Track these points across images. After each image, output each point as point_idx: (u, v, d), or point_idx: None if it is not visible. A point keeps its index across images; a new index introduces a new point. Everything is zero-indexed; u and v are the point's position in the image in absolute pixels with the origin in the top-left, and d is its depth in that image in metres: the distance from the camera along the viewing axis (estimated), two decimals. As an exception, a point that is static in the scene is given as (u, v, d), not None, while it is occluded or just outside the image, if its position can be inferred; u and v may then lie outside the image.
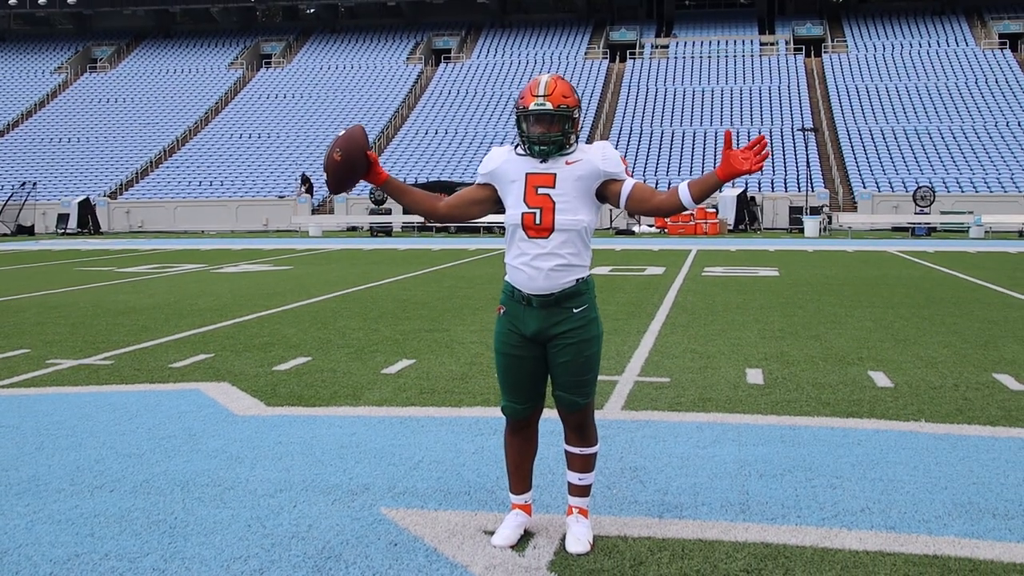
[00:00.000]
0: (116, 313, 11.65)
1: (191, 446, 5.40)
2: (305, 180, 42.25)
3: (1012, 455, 5.17)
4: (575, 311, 3.75)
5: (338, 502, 4.40)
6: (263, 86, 57.53)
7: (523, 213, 3.71)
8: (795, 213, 36.99)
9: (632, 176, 3.81)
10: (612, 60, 58.82)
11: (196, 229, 42.07)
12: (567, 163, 3.74)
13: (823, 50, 56.76)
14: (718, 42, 58.77)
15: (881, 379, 7.20)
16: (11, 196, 42.71)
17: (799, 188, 41.14)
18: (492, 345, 8.58)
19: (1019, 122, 46.13)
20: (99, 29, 65.92)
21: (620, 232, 37.23)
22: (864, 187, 41.24)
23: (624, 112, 51.81)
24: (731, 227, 36.76)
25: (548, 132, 3.72)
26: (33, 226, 42.15)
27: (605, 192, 3.78)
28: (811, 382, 7.11)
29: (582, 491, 3.90)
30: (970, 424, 5.85)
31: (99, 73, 60.95)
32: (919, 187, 35.50)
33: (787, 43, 58.08)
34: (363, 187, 44.47)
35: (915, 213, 35.22)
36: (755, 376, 7.34)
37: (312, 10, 65.81)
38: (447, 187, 39.82)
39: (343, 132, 3.84)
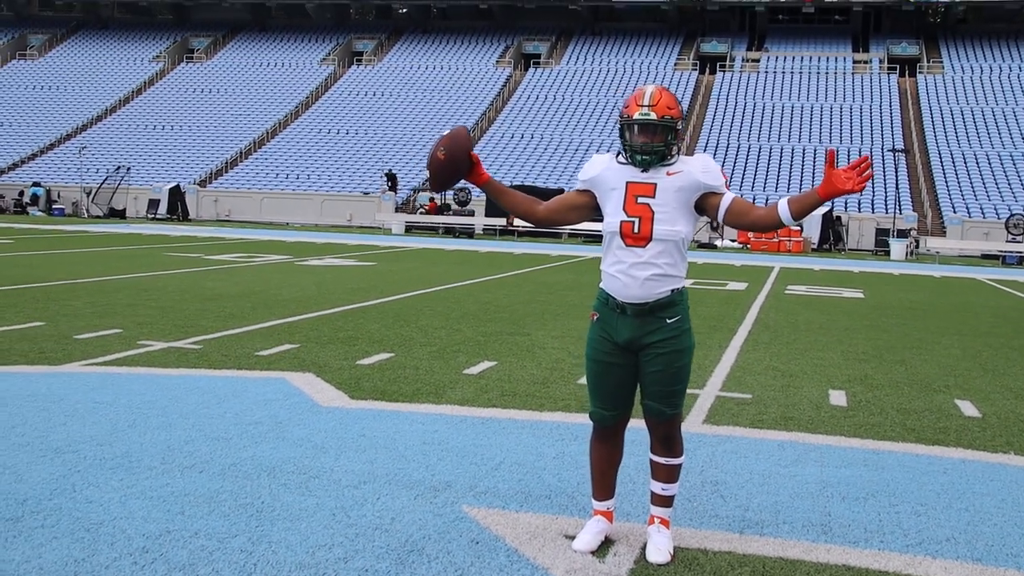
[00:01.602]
0: (204, 299, 11.93)
1: (277, 433, 5.52)
2: (390, 177, 42.67)
3: (1105, 494, 5.04)
4: (668, 321, 3.76)
5: (420, 497, 4.46)
6: (353, 83, 58.30)
7: (622, 221, 3.74)
8: (881, 235, 36.34)
9: (730, 190, 3.82)
10: (702, 72, 58.40)
11: (281, 221, 42.79)
12: (668, 174, 3.75)
13: (918, 70, 55.68)
14: (810, 58, 57.99)
15: (968, 408, 7.06)
16: (106, 179, 43.88)
17: (887, 210, 40.42)
18: (576, 351, 8.66)
19: (1121, 152, 44.69)
20: (197, 20, 67.44)
21: (702, 245, 36.94)
22: (954, 212, 40.36)
23: (712, 125, 51.41)
24: (815, 246, 36.24)
25: (651, 142, 3.74)
26: (125, 210, 43.24)
27: (704, 205, 3.78)
28: (895, 407, 7.00)
29: (665, 501, 3.91)
30: (1061, 460, 5.71)
31: (195, 63, 62.36)
32: (1012, 215, 34.63)
33: (881, 61, 57.10)
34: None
35: (1006, 241, 34.36)
36: (838, 398, 7.25)
37: (405, 10, 66.51)
38: (532, 192, 39.94)
39: (447, 132, 3.89)
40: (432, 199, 40.46)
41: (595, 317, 3.89)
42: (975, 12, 60.11)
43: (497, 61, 60.74)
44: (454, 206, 39.77)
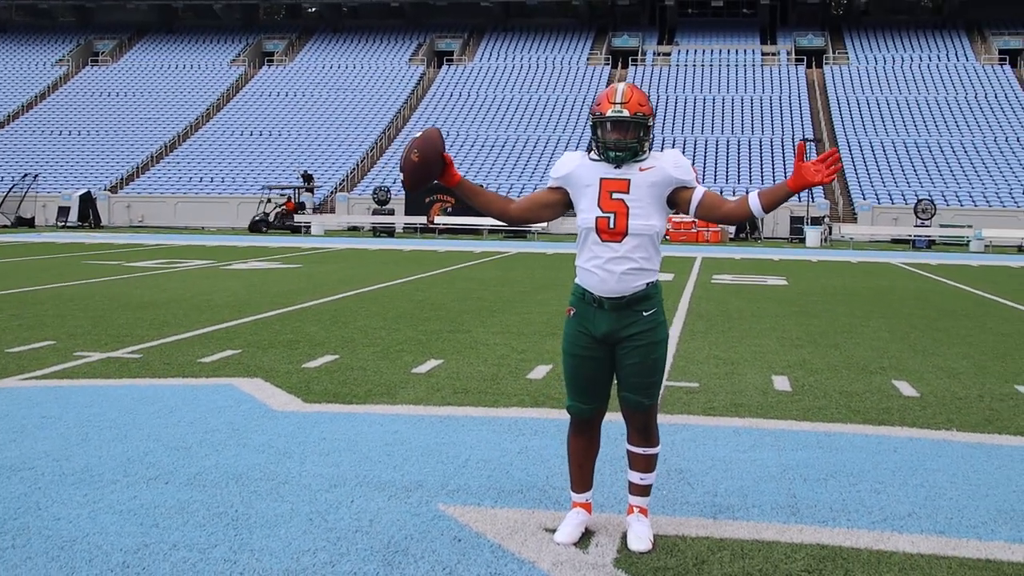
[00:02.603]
0: (134, 307, 11.70)
1: (236, 440, 5.46)
2: (306, 178, 42.26)
3: (1048, 465, 5.26)
4: (645, 314, 3.83)
5: (394, 498, 4.46)
6: (265, 84, 57.59)
7: (597, 217, 3.79)
8: (796, 223, 37.13)
9: (700, 184, 3.90)
10: (614, 66, 58.96)
11: (196, 225, 42.09)
12: (640, 169, 3.82)
13: (824, 61, 57.00)
14: (720, 51, 58.96)
15: (906, 388, 7.29)
16: (12, 188, 42.66)
17: (799, 198, 41.28)
18: (519, 346, 8.71)
19: (1018, 138, 46.37)
20: (101, 22, 65.92)
21: (621, 238, 37.30)
22: (864, 198, 41.42)
23: (625, 118, 51.83)
24: (732, 235, 36.90)
25: (624, 139, 3.80)
26: (33, 218, 42.11)
27: (676, 199, 3.85)
28: (838, 390, 7.19)
29: (643, 491, 3.98)
30: (1000, 434, 5.94)
31: (101, 67, 60.96)
32: (920, 200, 35.69)
33: (788, 53, 58.31)
34: (365, 187, 44.56)
35: (915, 226, 35.40)
36: (782, 383, 7.42)
37: (314, 9, 65.87)
38: (448, 190, 39.86)
39: (420, 133, 3.90)
40: (289, 199, 39.91)
41: (571, 312, 3.93)
42: (877, 4, 61.74)
43: (410, 59, 60.54)
44: (373, 205, 39.51)
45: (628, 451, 4.01)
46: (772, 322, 11.24)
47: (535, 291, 14.69)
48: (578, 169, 3.89)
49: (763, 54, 58.58)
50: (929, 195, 39.86)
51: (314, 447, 5.33)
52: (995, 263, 25.23)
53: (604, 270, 3.78)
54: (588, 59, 59.60)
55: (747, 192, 3.88)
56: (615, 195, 3.78)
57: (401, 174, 3.93)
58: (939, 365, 8.39)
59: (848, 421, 6.19)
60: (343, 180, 46.53)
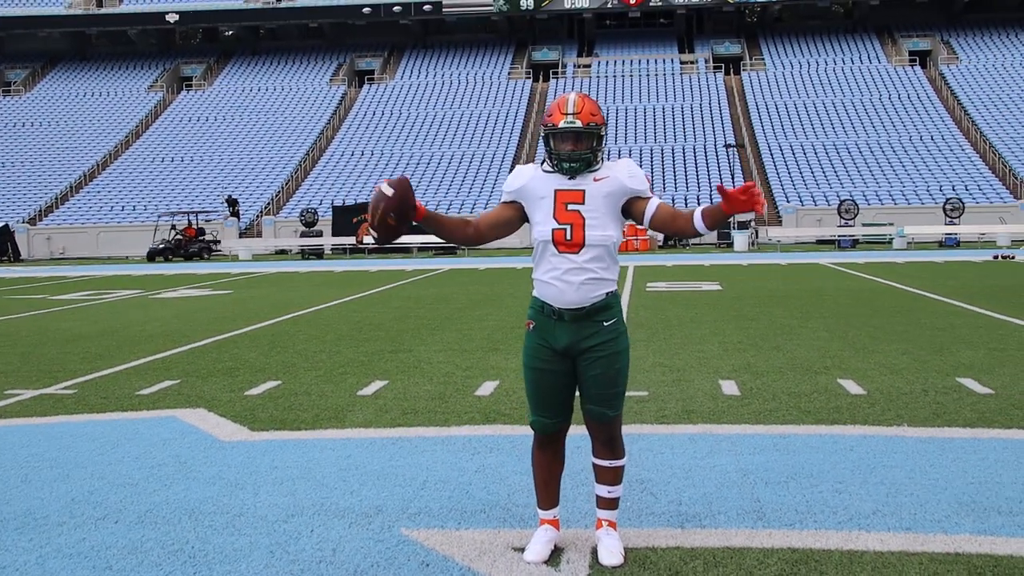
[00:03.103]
0: (63, 341, 11.37)
1: (185, 474, 5.29)
2: (231, 202, 41.70)
3: (998, 455, 5.32)
4: (605, 324, 3.78)
5: (355, 525, 4.35)
6: (184, 109, 56.78)
7: (554, 229, 3.73)
8: (722, 228, 37.59)
9: (653, 194, 3.87)
10: (535, 80, 59.28)
11: (120, 255, 41.24)
12: (595, 180, 3.77)
13: (742, 68, 57.94)
14: (639, 61, 59.62)
15: (852, 387, 7.36)
16: (-76, 225, 41.42)
17: (725, 203, 41.81)
18: (463, 364, 8.62)
19: (931, 136, 47.58)
20: (11, 51, 64.45)
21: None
22: (787, 201, 42.13)
23: (550, 131, 52.09)
24: (660, 243, 37.23)
25: (577, 149, 3.75)
26: (-52, 255, 40.91)
27: (630, 209, 3.81)
28: (785, 391, 7.23)
29: (611, 504, 3.92)
30: (950, 427, 6.00)
31: (13, 96, 59.58)
32: (843, 200, 36.40)
33: (706, 61, 59.18)
34: (291, 209, 44.10)
35: (839, 226, 36.06)
36: (730, 388, 7.44)
37: (231, 32, 65.19)
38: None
39: (389, 190, 3.71)
40: (190, 224, 38.53)
41: (531, 326, 3.86)
42: (790, 11, 62.95)
43: (331, 79, 60.21)
44: (300, 227, 39.11)
45: (594, 464, 3.95)
46: (712, 327, 11.30)
47: (472, 307, 14.62)
48: (531, 182, 3.83)
49: (682, 63, 59.38)
50: (850, 195, 40.68)
51: (266, 476, 5.19)
52: (919, 259, 25.80)
53: (562, 281, 3.72)
54: (509, 73, 59.84)
55: (692, 209, 3.84)
56: (570, 206, 3.73)
57: (373, 232, 3.78)
58: (881, 362, 8.50)
59: (800, 422, 6.22)
60: (268, 203, 46.02)
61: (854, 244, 35.10)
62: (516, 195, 3.88)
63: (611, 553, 3.80)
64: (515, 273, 23.72)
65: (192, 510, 4.63)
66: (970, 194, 41.02)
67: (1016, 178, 43.34)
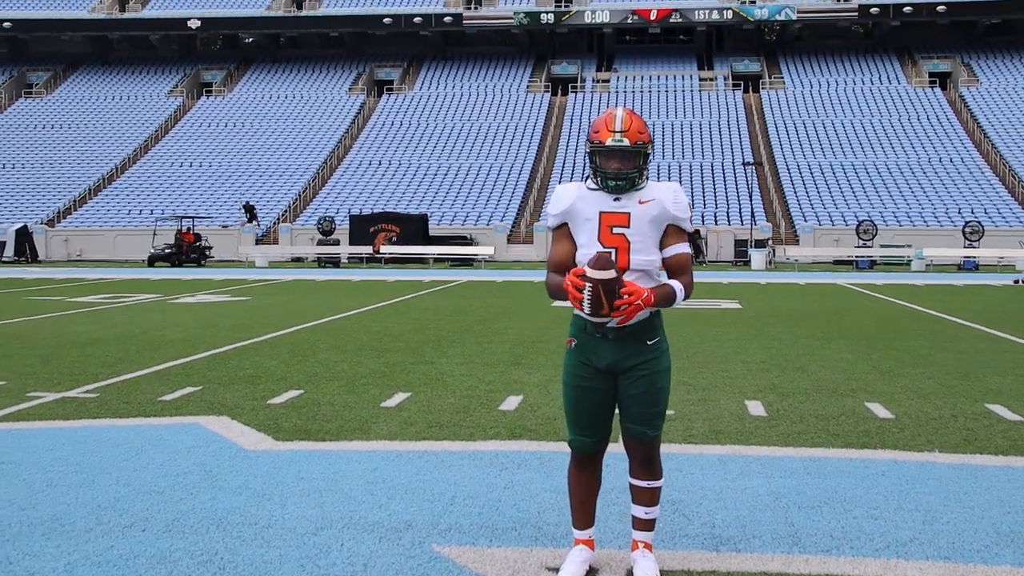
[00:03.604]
0: (83, 344, 11.37)
1: (211, 483, 5.25)
2: (248, 209, 41.80)
3: (1034, 485, 5.25)
4: (648, 343, 3.74)
5: (385, 540, 4.30)
6: (204, 114, 57.01)
7: (599, 252, 3.68)
8: (740, 246, 37.52)
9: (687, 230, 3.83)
10: (554, 94, 59.33)
11: (137, 258, 41.35)
12: (640, 202, 3.71)
13: (761, 86, 57.88)
14: (658, 77, 59.62)
15: (880, 410, 7.28)
16: (-56, 224, 41.63)
17: (742, 222, 41.75)
18: (486, 377, 8.58)
19: (951, 158, 47.39)
20: (34, 54, 64.87)
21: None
22: (805, 220, 41.99)
23: (568, 145, 52.22)
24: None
25: (623, 168, 3.70)
26: (-33, 255, 41.11)
27: (663, 235, 3.78)
28: (813, 414, 7.16)
29: (648, 525, 3.87)
30: (982, 454, 5.93)
31: (35, 99, 59.93)
32: (861, 221, 36.27)
33: (726, 79, 59.13)
34: (308, 217, 44.17)
35: (856, 246, 35.92)
36: (756, 408, 7.38)
37: (252, 39, 65.49)
38: (392, 219, 39.71)
39: (605, 277, 3.53)
40: (188, 230, 37.43)
41: (572, 343, 3.82)
42: (810, 29, 62.88)
43: (350, 88, 60.38)
44: (317, 235, 39.13)
45: (631, 485, 3.90)
46: (734, 346, 11.23)
47: (491, 320, 14.57)
48: (577, 203, 3.76)
49: (701, 79, 59.36)
50: (868, 215, 40.52)
51: (293, 488, 5.15)
52: (938, 281, 25.66)
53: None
54: (528, 86, 59.89)
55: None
56: (616, 229, 3.68)
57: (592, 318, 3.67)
58: (907, 386, 8.41)
59: (829, 445, 6.15)
60: (286, 210, 46.11)
61: (872, 265, 34.96)
62: (563, 217, 3.81)
63: (646, 575, 3.74)
64: (532, 286, 23.67)
65: (220, 520, 4.59)
66: (989, 217, 40.83)
67: (1035, 202, 43.09)
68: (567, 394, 3.82)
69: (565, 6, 60.57)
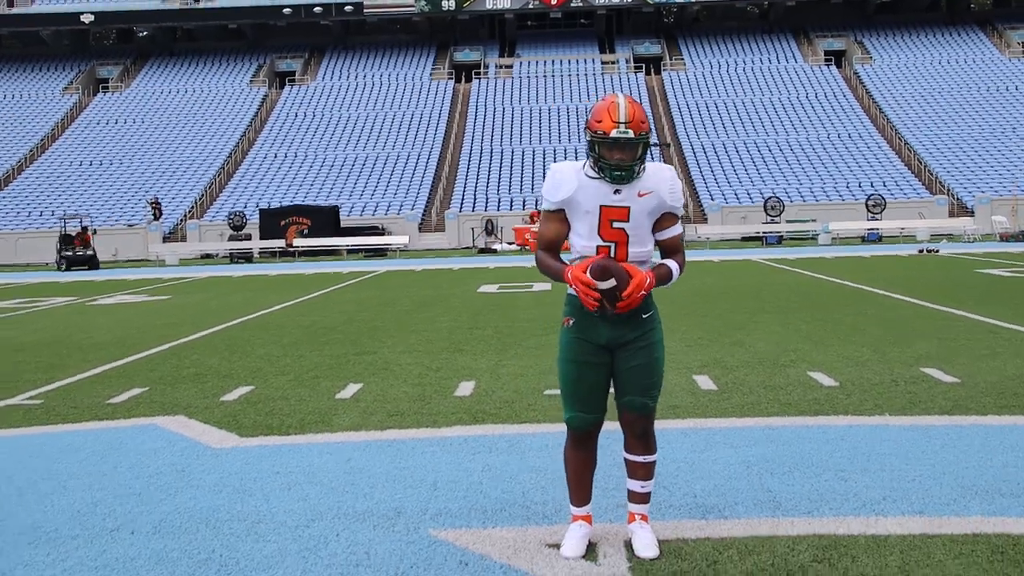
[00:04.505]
0: (11, 351, 11.09)
1: (187, 482, 5.22)
2: (155, 205, 40.94)
3: (983, 440, 5.52)
4: (644, 316, 3.85)
5: (380, 528, 4.34)
6: (101, 111, 55.58)
7: (598, 246, 3.78)
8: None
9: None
10: (458, 80, 59.27)
11: (40, 261, 40.18)
12: (639, 195, 3.75)
13: (662, 68, 58.65)
14: (560, 61, 59.97)
15: (824, 379, 7.54)
16: None
17: (651, 201, 42.29)
18: (433, 365, 8.62)
19: (849, 134, 48.74)
20: (-84, 55, 62.37)
21: (482, 251, 37.52)
22: (712, 199, 42.78)
23: (473, 131, 52.26)
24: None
25: (626, 159, 3.70)
26: None
27: (659, 219, 3.88)
28: (761, 384, 7.39)
29: (644, 498, 3.99)
30: (928, 415, 6.21)
31: (-81, 101, 57.65)
32: (768, 198, 37.10)
33: (627, 61, 59.78)
34: (216, 212, 43.46)
35: (763, 222, 36.74)
36: (706, 382, 7.57)
37: (145, 32, 64.01)
38: (303, 211, 39.32)
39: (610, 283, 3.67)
40: (84, 230, 35.29)
41: (570, 322, 3.90)
42: (708, 11, 63.92)
43: (251, 80, 59.47)
44: (228, 231, 38.54)
45: (627, 459, 4.01)
46: (668, 324, 11.32)
47: (419, 309, 14.60)
48: (578, 193, 3.78)
49: (603, 63, 59.90)
50: (773, 192, 41.46)
51: (272, 482, 5.15)
52: (847, 254, 26.45)
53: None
54: (432, 74, 59.74)
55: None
56: (615, 224, 3.76)
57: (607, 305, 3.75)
58: (842, 355, 8.71)
59: (784, 414, 6.37)
60: (192, 207, 45.27)
61: (780, 240, 35.82)
62: (562, 204, 3.83)
63: (648, 546, 3.87)
64: (453, 274, 23.72)
65: (207, 518, 4.58)
66: (889, 191, 42.13)
67: (932, 174, 44.63)
68: (567, 371, 3.90)
69: (466, -7, 60.55)
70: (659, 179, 3.81)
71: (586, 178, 3.79)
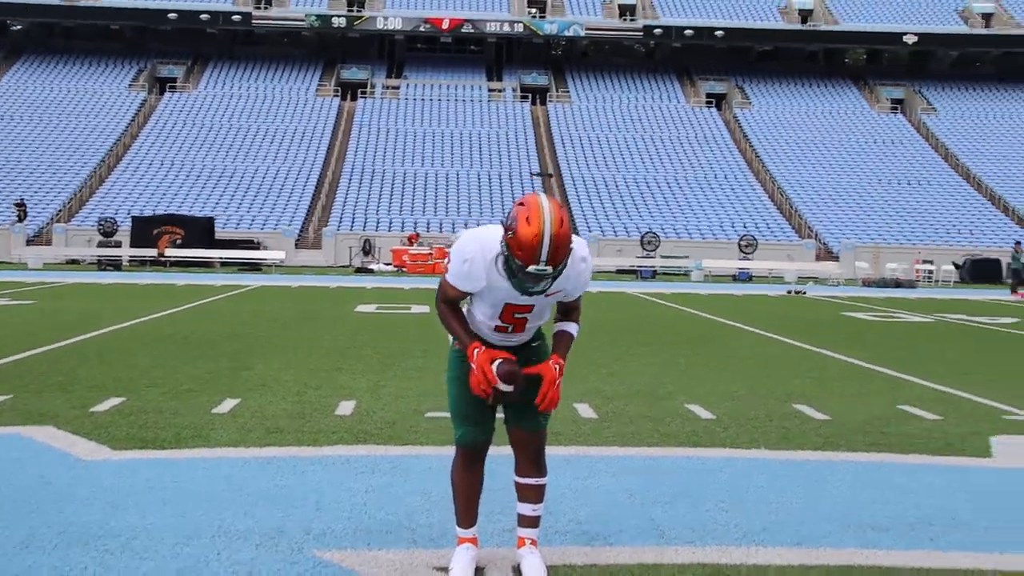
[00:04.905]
0: None
1: (55, 495, 5.00)
2: (20, 207, 39.36)
3: (855, 476, 5.72)
4: (533, 344, 3.96)
5: (262, 547, 4.24)
6: (-34, 106, 53.18)
7: (496, 326, 3.86)
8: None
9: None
10: (343, 98, 58.83)
11: None
12: (547, 295, 3.75)
13: (548, 99, 59.37)
14: (448, 86, 60.13)
15: (702, 412, 7.70)
16: None
17: (532, 230, 42.63)
18: (312, 383, 8.49)
19: (726, 175, 50.17)
20: None
21: (359, 270, 37.22)
22: (589, 231, 43.39)
23: (356, 151, 51.93)
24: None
25: (539, 285, 3.61)
26: None
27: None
28: (640, 415, 7.50)
29: (535, 522, 4.01)
30: (802, 450, 6.40)
31: None
32: (645, 233, 37.81)
33: (514, 90, 60.32)
34: (84, 217, 42.08)
35: (639, 256, 37.43)
36: (586, 411, 7.64)
37: (19, 26, 61.76)
38: (177, 221, 38.35)
39: (509, 387, 3.71)
40: None
41: (458, 344, 3.91)
42: (596, 46, 65.07)
43: (130, 84, 57.88)
44: (97, 237, 37.31)
45: (518, 483, 4.02)
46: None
47: (296, 325, 14.40)
48: (485, 289, 3.72)
49: (490, 91, 60.30)
50: (650, 228, 42.30)
51: (147, 497, 4.98)
52: (719, 291, 27.13)
53: (500, 345, 3.91)
54: (317, 90, 59.17)
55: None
56: (517, 315, 3.83)
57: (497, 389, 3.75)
58: (718, 390, 8.90)
59: (664, 445, 6.48)
60: (60, 210, 43.67)
61: (654, 275, 36.54)
62: (469, 288, 3.76)
63: (536, 571, 3.88)
64: (330, 292, 23.44)
65: (79, 535, 4.38)
66: (760, 232, 43.44)
67: (801, 219, 46.24)
68: (457, 390, 3.90)
69: (357, 11, 60.31)
70: (572, 272, 3.72)
71: (496, 275, 3.67)
